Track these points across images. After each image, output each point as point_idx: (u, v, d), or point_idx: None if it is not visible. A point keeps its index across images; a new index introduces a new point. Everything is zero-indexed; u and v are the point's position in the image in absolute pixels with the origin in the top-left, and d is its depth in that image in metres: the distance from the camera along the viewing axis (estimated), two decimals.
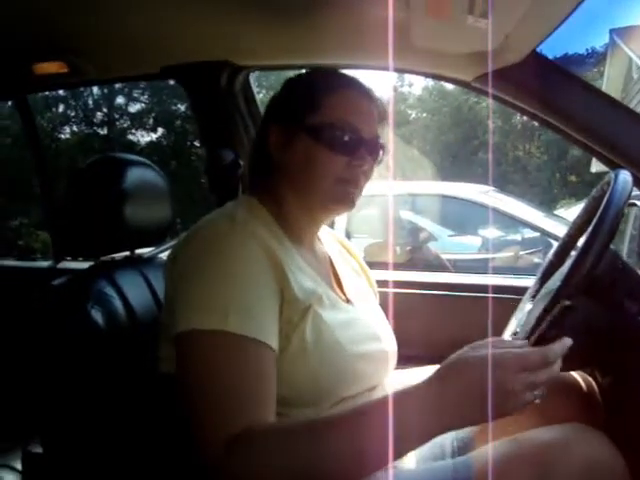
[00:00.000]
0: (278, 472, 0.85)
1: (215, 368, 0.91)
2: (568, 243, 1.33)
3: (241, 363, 0.91)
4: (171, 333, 0.96)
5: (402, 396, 0.85)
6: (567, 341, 0.87)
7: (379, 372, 1.11)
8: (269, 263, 0.98)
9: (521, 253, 4.54)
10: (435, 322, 1.79)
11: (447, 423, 0.85)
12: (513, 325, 1.31)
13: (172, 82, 2.00)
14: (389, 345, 1.17)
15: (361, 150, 1.09)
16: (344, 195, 1.10)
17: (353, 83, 1.13)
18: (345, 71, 1.18)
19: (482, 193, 4.55)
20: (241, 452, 0.84)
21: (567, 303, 0.88)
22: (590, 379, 1.24)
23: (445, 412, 0.84)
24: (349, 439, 0.85)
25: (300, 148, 1.08)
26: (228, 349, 0.91)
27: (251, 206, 1.09)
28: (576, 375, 1.25)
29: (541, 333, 0.88)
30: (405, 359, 1.31)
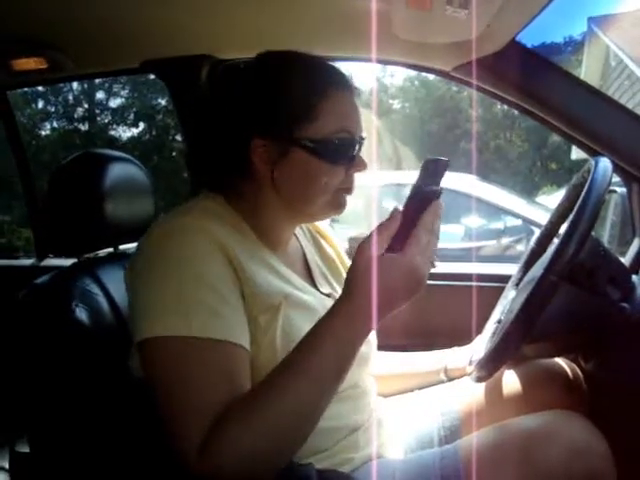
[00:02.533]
0: (257, 448, 0.83)
1: (184, 375, 0.87)
2: (550, 230, 1.34)
3: (210, 367, 0.87)
4: (135, 340, 0.92)
5: (329, 320, 0.87)
6: (437, 205, 0.87)
7: (359, 369, 1.07)
8: (224, 260, 0.93)
9: (504, 241, 4.57)
10: (419, 311, 1.80)
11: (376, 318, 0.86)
12: (497, 313, 1.32)
13: (152, 76, 1.99)
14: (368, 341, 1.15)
15: (358, 154, 1.04)
16: (341, 203, 1.06)
17: (339, 80, 1.04)
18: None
19: (465, 182, 4.58)
20: (211, 452, 0.82)
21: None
22: (574, 365, 1.25)
23: (369, 317, 0.85)
24: (302, 376, 0.85)
25: (295, 163, 1.00)
26: (195, 354, 0.87)
27: (213, 203, 1.03)
28: (560, 362, 1.26)
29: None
30: (390, 348, 1.32)
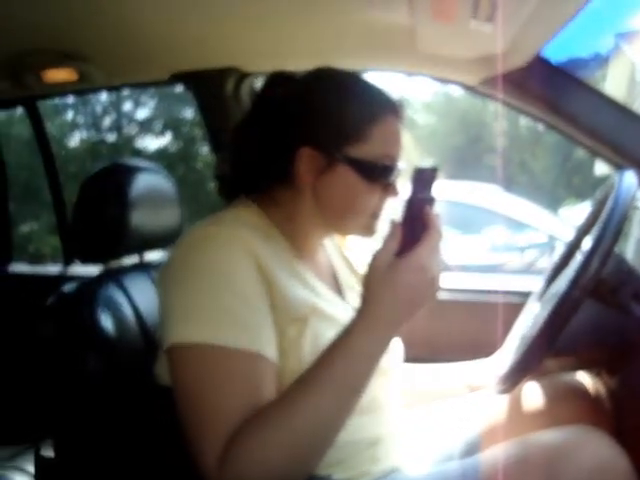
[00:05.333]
0: (276, 463, 0.83)
1: (207, 384, 0.87)
2: (574, 245, 1.33)
3: (234, 378, 0.87)
4: (163, 346, 0.93)
5: (347, 334, 0.87)
6: (433, 210, 0.89)
7: (377, 381, 1.04)
8: (255, 269, 0.94)
9: (526, 255, 4.53)
10: (441, 325, 1.79)
11: (393, 332, 0.88)
12: (520, 326, 1.31)
13: (180, 89, 2.02)
14: (390, 353, 1.13)
15: (395, 181, 1.06)
16: (374, 229, 1.08)
17: (392, 106, 1.05)
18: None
19: (488, 192, 4.57)
20: (230, 464, 0.83)
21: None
22: (598, 381, 1.24)
23: (388, 326, 0.87)
24: (320, 391, 0.85)
25: (339, 178, 1.02)
26: (221, 363, 0.88)
27: (246, 212, 1.05)
28: (583, 377, 1.25)
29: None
30: (411, 361, 1.32)
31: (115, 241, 1.26)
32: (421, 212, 0.88)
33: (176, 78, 1.86)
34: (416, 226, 0.87)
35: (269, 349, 0.92)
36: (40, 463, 1.19)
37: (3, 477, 1.80)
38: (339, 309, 1.06)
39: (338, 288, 1.17)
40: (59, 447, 1.13)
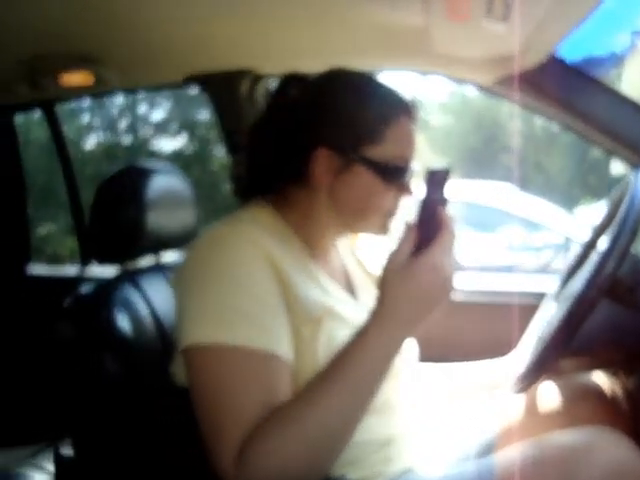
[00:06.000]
0: (292, 464, 0.84)
1: (223, 384, 0.88)
2: (590, 244, 1.33)
3: (250, 378, 0.88)
4: (179, 347, 0.94)
5: (362, 334, 0.88)
6: (447, 210, 0.89)
7: (389, 382, 1.03)
8: (270, 270, 0.94)
9: (543, 255, 4.51)
10: (456, 325, 1.79)
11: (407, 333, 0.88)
12: (536, 325, 1.31)
13: (194, 91, 2.03)
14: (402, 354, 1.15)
15: (409, 181, 1.07)
16: (388, 227, 1.09)
17: (405, 106, 1.06)
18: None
19: (503, 191, 4.56)
20: (245, 463, 0.83)
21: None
22: (615, 381, 1.23)
23: (403, 326, 0.87)
24: (335, 392, 0.86)
25: (356, 178, 1.03)
26: (237, 364, 0.88)
27: (261, 213, 1.06)
28: (600, 377, 1.24)
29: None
30: (426, 361, 1.32)
31: (131, 241, 1.27)
32: (435, 213, 0.88)
33: (191, 80, 1.87)
34: (430, 227, 0.88)
35: (285, 350, 0.92)
36: (59, 461, 1.21)
37: (23, 475, 1.82)
38: (352, 309, 1.07)
39: (351, 288, 1.17)
40: (78, 446, 1.15)
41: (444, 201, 0.90)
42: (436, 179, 0.89)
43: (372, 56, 1.63)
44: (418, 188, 0.93)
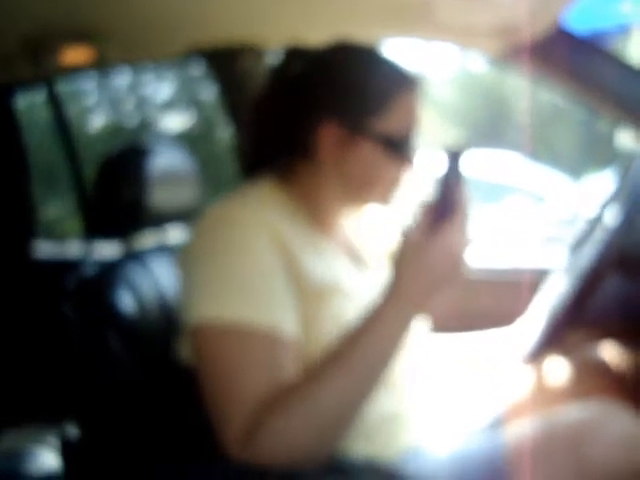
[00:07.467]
0: (300, 440, 0.85)
1: (229, 360, 0.88)
2: (598, 217, 1.31)
3: (256, 354, 0.88)
4: (184, 323, 0.94)
5: (376, 311, 0.88)
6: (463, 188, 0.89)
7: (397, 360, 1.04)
8: (277, 246, 0.94)
9: (551, 227, 4.51)
10: (465, 300, 1.78)
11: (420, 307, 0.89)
12: (544, 297, 1.30)
13: (198, 71, 2.03)
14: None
15: (414, 154, 1.06)
16: (391, 197, 1.09)
17: (409, 80, 1.05)
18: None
19: (512, 161, 4.56)
20: (253, 441, 0.83)
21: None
22: (624, 354, 1.22)
23: (414, 303, 0.88)
24: (345, 369, 0.86)
25: (361, 153, 1.03)
26: (243, 340, 0.88)
27: (267, 188, 1.05)
28: (609, 351, 1.23)
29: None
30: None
31: (134, 216, 1.26)
32: (451, 192, 0.89)
33: (193, 54, 1.85)
34: (446, 206, 0.88)
35: (291, 325, 0.92)
36: (65, 440, 1.21)
37: (30, 453, 1.84)
38: (359, 284, 1.06)
39: (357, 262, 1.16)
40: (83, 425, 1.15)
41: (461, 180, 0.90)
42: (453, 158, 0.89)
43: (377, 25, 1.61)
44: (434, 166, 0.92)
